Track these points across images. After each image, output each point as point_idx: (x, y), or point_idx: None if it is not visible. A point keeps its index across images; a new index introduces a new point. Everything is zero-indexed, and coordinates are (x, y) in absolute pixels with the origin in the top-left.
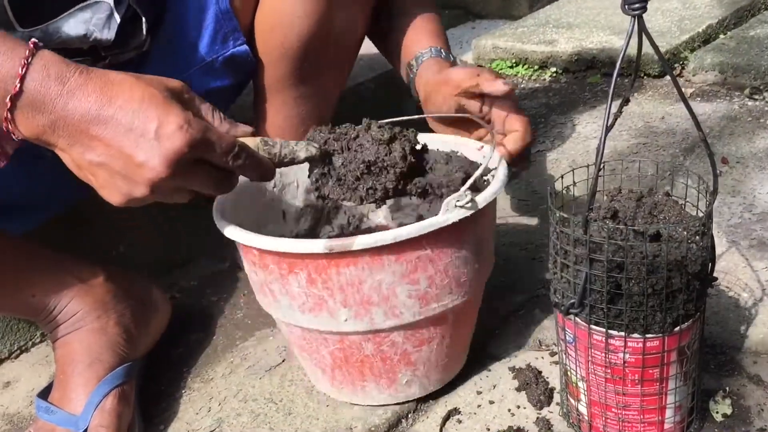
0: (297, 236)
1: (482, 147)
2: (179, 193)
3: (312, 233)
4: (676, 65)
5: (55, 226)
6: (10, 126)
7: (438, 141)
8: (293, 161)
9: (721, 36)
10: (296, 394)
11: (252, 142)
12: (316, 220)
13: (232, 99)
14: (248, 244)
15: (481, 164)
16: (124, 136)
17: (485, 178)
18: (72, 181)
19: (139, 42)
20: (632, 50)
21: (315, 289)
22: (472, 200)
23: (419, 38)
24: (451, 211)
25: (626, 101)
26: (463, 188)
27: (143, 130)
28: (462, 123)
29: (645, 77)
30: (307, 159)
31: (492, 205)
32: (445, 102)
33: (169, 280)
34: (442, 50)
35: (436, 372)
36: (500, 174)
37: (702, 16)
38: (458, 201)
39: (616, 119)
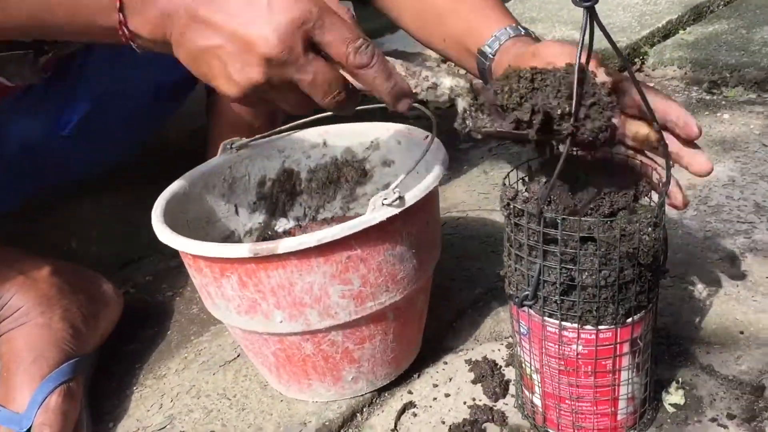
0: (251, 231)
1: (427, 137)
2: (291, 93)
3: (267, 227)
4: (636, 60)
5: (3, 221)
6: (125, 31)
7: (383, 129)
8: (434, 97)
9: (681, 31)
10: (250, 389)
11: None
12: (270, 213)
13: (184, 96)
14: (177, 248)
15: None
16: (234, 14)
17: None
18: (25, 177)
19: None
20: (600, 44)
21: (247, 292)
22: (400, 198)
23: (486, 18)
24: (378, 209)
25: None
26: (392, 185)
27: (255, 4)
28: None
29: None
30: (450, 97)
31: (430, 198)
32: None
33: (124, 275)
34: (520, 28)
35: (383, 367)
36: (435, 168)
37: (662, 12)
38: (385, 199)
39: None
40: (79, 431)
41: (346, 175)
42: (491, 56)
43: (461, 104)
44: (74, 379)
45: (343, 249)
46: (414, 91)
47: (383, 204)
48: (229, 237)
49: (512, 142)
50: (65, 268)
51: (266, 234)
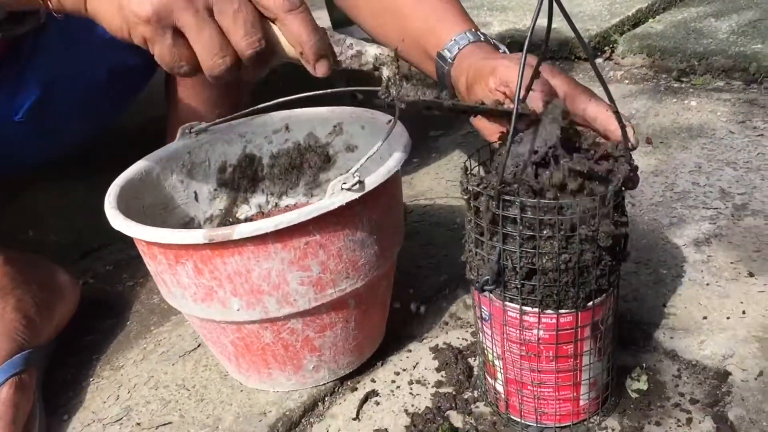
0: (211, 218)
1: (390, 121)
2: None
3: (228, 213)
4: (606, 48)
5: None
6: None
7: (346, 114)
8: (353, 63)
9: (650, 20)
10: (210, 380)
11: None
12: (232, 199)
13: (144, 82)
14: (131, 234)
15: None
16: None
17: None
18: None
19: (36, 18)
20: (566, 33)
21: (203, 279)
22: (359, 182)
23: (446, 21)
24: (336, 194)
25: (537, 74)
26: (352, 169)
27: None
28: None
29: (576, 60)
30: (374, 67)
31: (391, 183)
32: (486, 98)
33: (83, 265)
34: (479, 34)
35: (346, 356)
36: (397, 153)
37: (632, 0)
38: (344, 183)
39: (527, 95)
40: (32, 424)
41: (309, 161)
42: (450, 60)
43: (386, 73)
44: (27, 370)
45: (302, 235)
46: (338, 58)
47: (342, 188)
48: (189, 224)
49: (436, 110)
50: (19, 257)
51: (227, 221)
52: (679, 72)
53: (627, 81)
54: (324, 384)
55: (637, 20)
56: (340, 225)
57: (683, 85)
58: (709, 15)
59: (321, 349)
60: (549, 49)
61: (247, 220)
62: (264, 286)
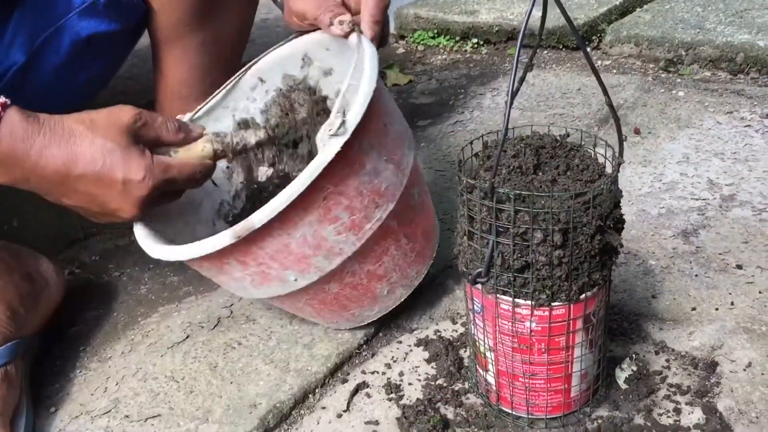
0: (238, 193)
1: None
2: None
3: (251, 181)
4: (593, 37)
5: None
6: None
7: (307, 43)
8: (245, 147)
9: (638, 9)
10: (199, 371)
11: (205, 139)
12: (247, 167)
13: (127, 47)
14: (172, 260)
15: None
16: (95, 189)
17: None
18: None
19: None
20: (554, 22)
21: (252, 267)
22: (343, 123)
23: None
24: (328, 144)
25: (530, 66)
26: (332, 115)
27: (111, 184)
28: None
29: (564, 49)
30: (257, 144)
31: (375, 103)
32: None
33: (69, 255)
34: None
35: (412, 268)
36: (367, 70)
37: None
38: (330, 130)
39: (519, 86)
40: (19, 416)
41: (297, 100)
42: None
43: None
44: (12, 362)
45: (317, 193)
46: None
47: (330, 136)
48: (221, 209)
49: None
50: (1, 248)
51: (253, 189)
52: (666, 62)
53: (615, 71)
54: (316, 375)
55: (624, 9)
56: (346, 166)
57: (671, 75)
58: (696, 5)
59: (387, 274)
60: (544, 39)
61: (270, 179)
62: (307, 251)
